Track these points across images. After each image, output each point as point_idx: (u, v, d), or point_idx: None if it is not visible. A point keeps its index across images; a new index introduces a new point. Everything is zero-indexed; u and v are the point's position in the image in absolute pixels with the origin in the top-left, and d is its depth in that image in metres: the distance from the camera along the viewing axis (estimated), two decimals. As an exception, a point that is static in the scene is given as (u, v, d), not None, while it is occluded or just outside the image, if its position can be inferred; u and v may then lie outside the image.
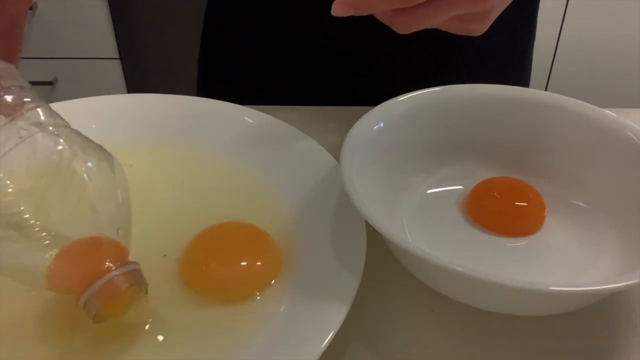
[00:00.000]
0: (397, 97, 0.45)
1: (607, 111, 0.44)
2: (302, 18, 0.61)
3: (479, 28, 0.39)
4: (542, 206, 0.44)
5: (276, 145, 0.48)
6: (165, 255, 0.40)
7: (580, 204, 0.44)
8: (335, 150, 0.42)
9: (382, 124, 0.44)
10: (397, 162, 0.45)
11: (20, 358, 0.34)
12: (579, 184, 0.45)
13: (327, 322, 0.33)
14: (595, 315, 0.38)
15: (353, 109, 0.52)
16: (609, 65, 1.59)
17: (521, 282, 0.32)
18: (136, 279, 0.34)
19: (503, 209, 0.44)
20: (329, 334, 0.33)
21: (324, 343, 0.32)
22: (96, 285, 0.33)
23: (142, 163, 0.47)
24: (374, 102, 0.45)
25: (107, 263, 0.33)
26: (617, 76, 1.60)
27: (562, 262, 0.41)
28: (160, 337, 0.35)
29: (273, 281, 0.38)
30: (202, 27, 0.71)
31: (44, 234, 0.33)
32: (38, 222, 0.33)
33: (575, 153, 0.45)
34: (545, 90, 0.55)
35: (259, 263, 0.39)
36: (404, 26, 0.37)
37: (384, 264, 0.40)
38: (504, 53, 0.66)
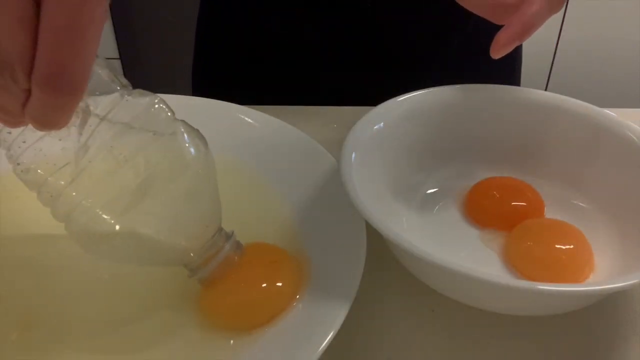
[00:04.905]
0: (397, 97, 0.45)
1: (607, 111, 0.44)
2: (301, 17, 0.61)
3: None
4: (541, 206, 0.44)
5: (276, 145, 0.48)
6: None
7: (580, 203, 0.44)
8: (335, 150, 0.42)
9: (382, 124, 0.44)
10: (397, 162, 0.45)
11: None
12: (578, 184, 0.45)
13: (327, 322, 0.33)
14: (595, 315, 0.38)
15: (353, 109, 0.52)
16: (609, 66, 1.59)
17: (521, 282, 0.32)
18: (238, 245, 0.36)
19: (502, 209, 0.44)
20: (329, 334, 0.33)
21: (324, 343, 0.32)
22: (214, 262, 0.34)
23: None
24: (374, 102, 0.45)
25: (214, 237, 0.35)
26: (617, 76, 1.60)
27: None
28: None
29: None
30: (196, 27, 0.71)
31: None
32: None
33: (575, 153, 0.45)
34: (545, 90, 0.55)
35: (279, 285, 0.36)
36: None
37: (384, 264, 0.40)
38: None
